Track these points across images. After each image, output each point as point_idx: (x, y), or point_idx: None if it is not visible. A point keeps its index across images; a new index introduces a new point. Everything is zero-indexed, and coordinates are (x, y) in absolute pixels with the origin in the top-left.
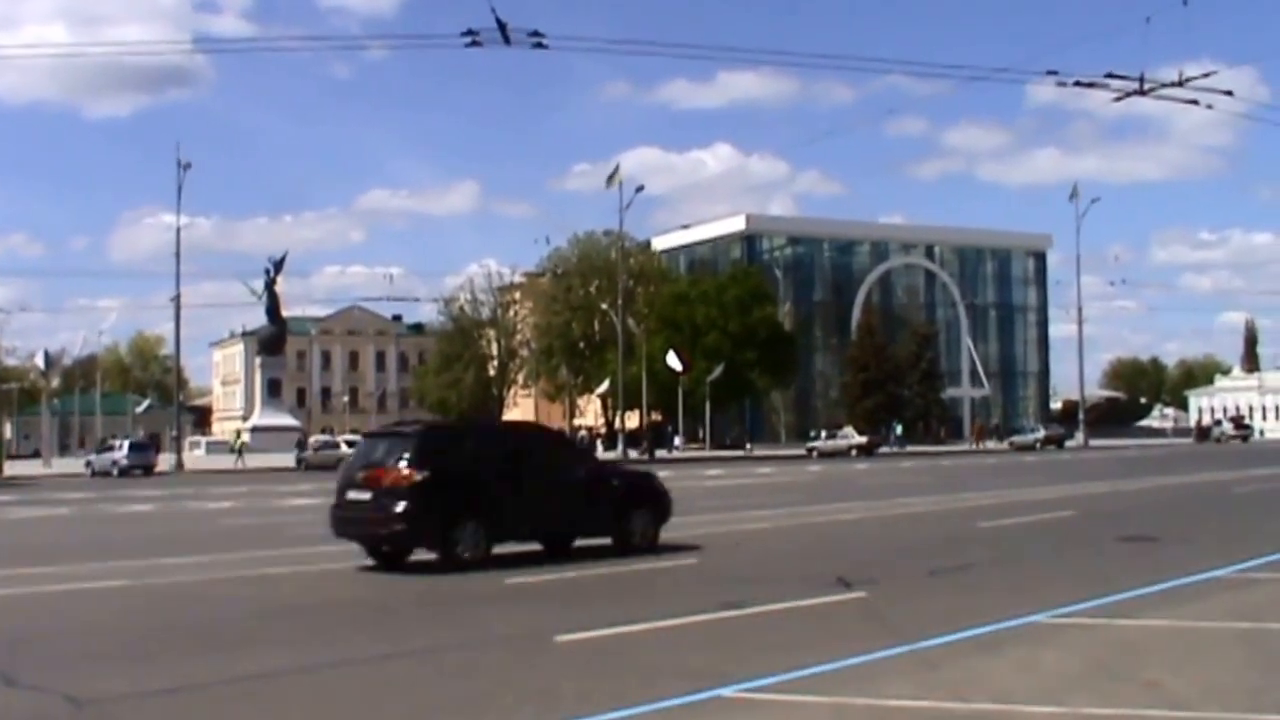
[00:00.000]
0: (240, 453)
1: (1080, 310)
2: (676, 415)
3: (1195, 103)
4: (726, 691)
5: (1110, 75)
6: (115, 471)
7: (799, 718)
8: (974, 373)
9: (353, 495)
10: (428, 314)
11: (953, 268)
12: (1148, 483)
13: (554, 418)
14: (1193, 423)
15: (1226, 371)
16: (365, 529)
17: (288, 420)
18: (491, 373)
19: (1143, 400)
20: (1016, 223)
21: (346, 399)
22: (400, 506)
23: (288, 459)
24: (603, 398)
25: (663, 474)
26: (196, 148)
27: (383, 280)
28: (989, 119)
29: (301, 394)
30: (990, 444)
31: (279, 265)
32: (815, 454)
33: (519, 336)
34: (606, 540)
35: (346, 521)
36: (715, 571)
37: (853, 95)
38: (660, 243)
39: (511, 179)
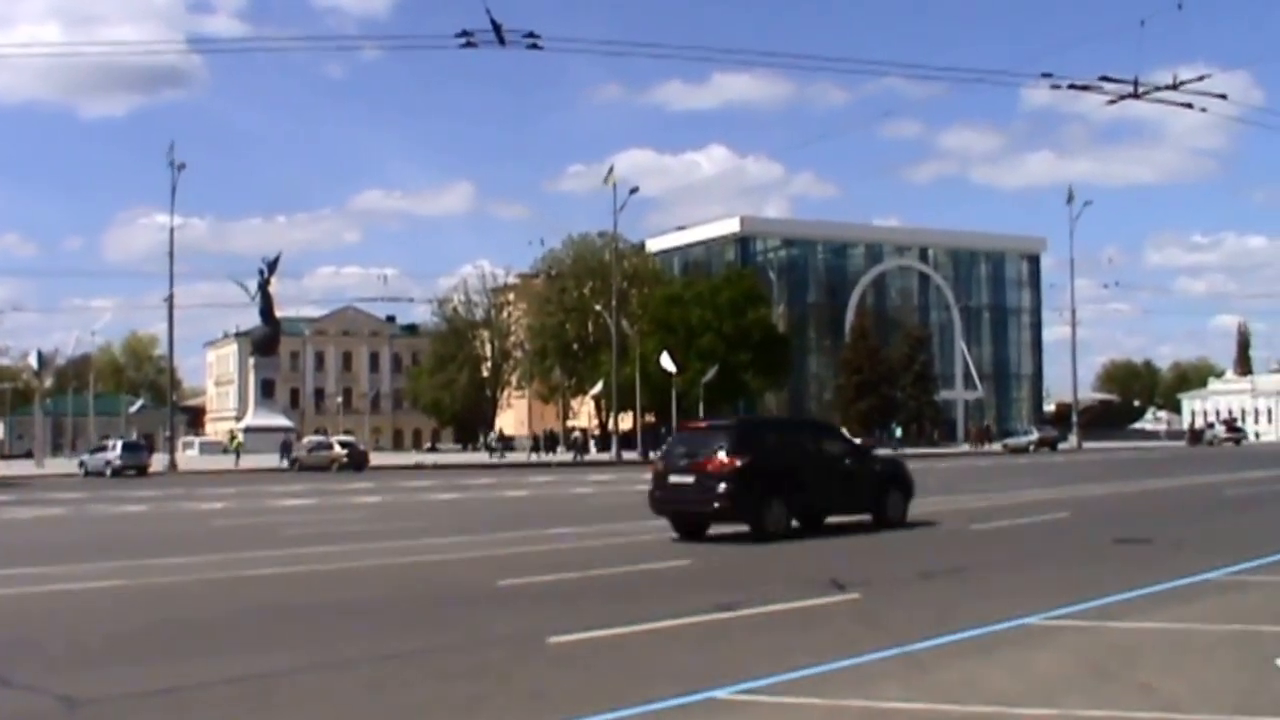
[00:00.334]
0: (238, 453)
1: (1074, 313)
2: (670, 417)
3: (1189, 106)
4: (719, 693)
5: (1104, 78)
6: (108, 472)
7: (792, 719)
8: (967, 375)
9: (675, 479)
10: (422, 315)
11: (947, 270)
12: (1141, 485)
13: (547, 419)
14: (1185, 425)
15: (1219, 375)
16: (688, 507)
17: (281, 421)
18: (485, 374)
19: (1136, 403)
20: (1010, 225)
21: (340, 400)
22: (723, 488)
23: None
24: (596, 399)
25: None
26: (191, 148)
27: (377, 281)
28: (983, 122)
29: (295, 394)
30: (988, 446)
31: (273, 266)
32: None
33: (513, 338)
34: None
35: (667, 501)
36: (708, 573)
37: (847, 97)
38: (654, 244)
39: (506, 180)
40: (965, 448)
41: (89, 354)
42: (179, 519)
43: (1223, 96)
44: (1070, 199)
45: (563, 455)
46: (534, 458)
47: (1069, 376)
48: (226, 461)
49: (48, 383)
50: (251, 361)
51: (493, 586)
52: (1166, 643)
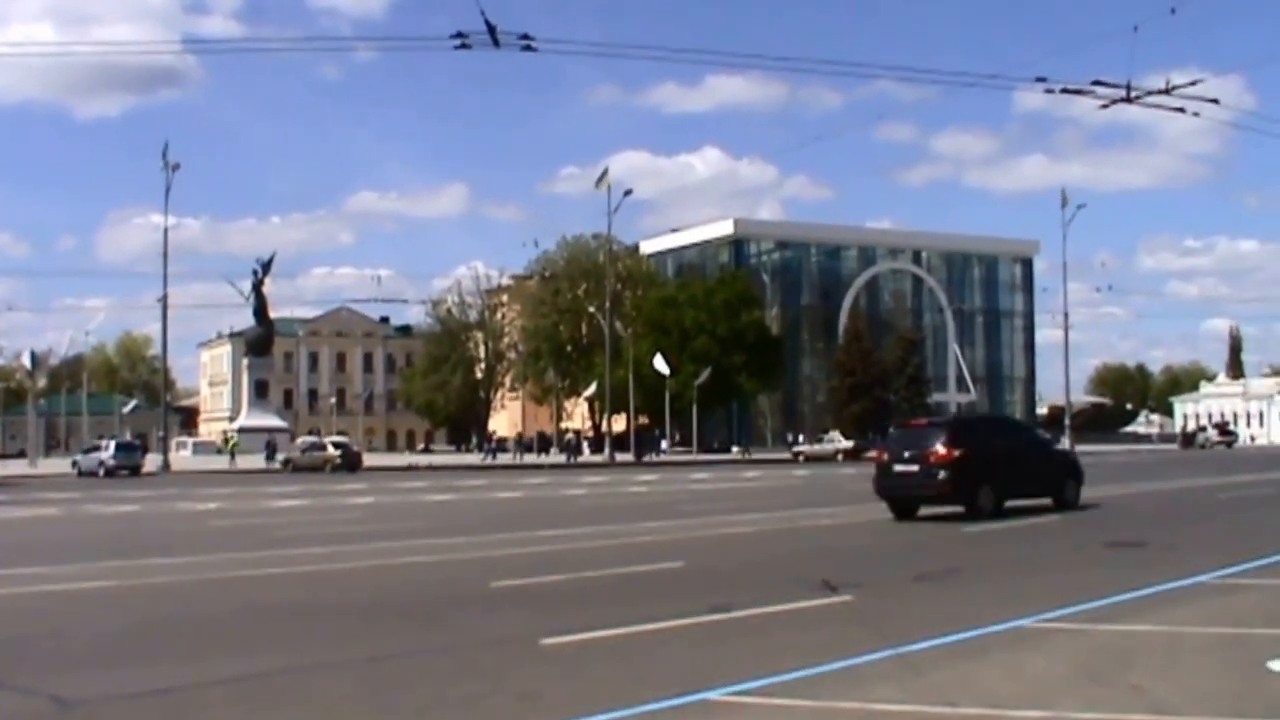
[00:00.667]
0: (233, 454)
1: (1066, 316)
2: (664, 419)
3: (1182, 110)
4: (713, 695)
5: (1098, 82)
6: (102, 472)
7: None
8: (960, 378)
9: (899, 468)
10: (416, 316)
11: (940, 273)
12: (1133, 488)
13: (541, 420)
14: (1178, 429)
15: (1211, 378)
16: (911, 491)
17: (275, 422)
18: (479, 375)
19: (1128, 406)
20: (1004, 229)
21: (333, 400)
22: (943, 475)
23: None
24: (590, 400)
25: (649, 477)
26: (185, 148)
27: (371, 282)
28: (977, 125)
29: (289, 395)
30: None
31: (267, 266)
32: (801, 458)
33: (506, 339)
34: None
35: (892, 486)
36: (702, 575)
37: (841, 100)
38: (648, 246)
39: (500, 182)
40: None
41: (82, 354)
42: (172, 519)
43: (1215, 101)
44: (1064, 203)
45: (555, 457)
46: (511, 459)
47: (1062, 379)
48: (220, 462)
49: (41, 383)
50: (245, 362)
51: (486, 588)
52: (1159, 645)
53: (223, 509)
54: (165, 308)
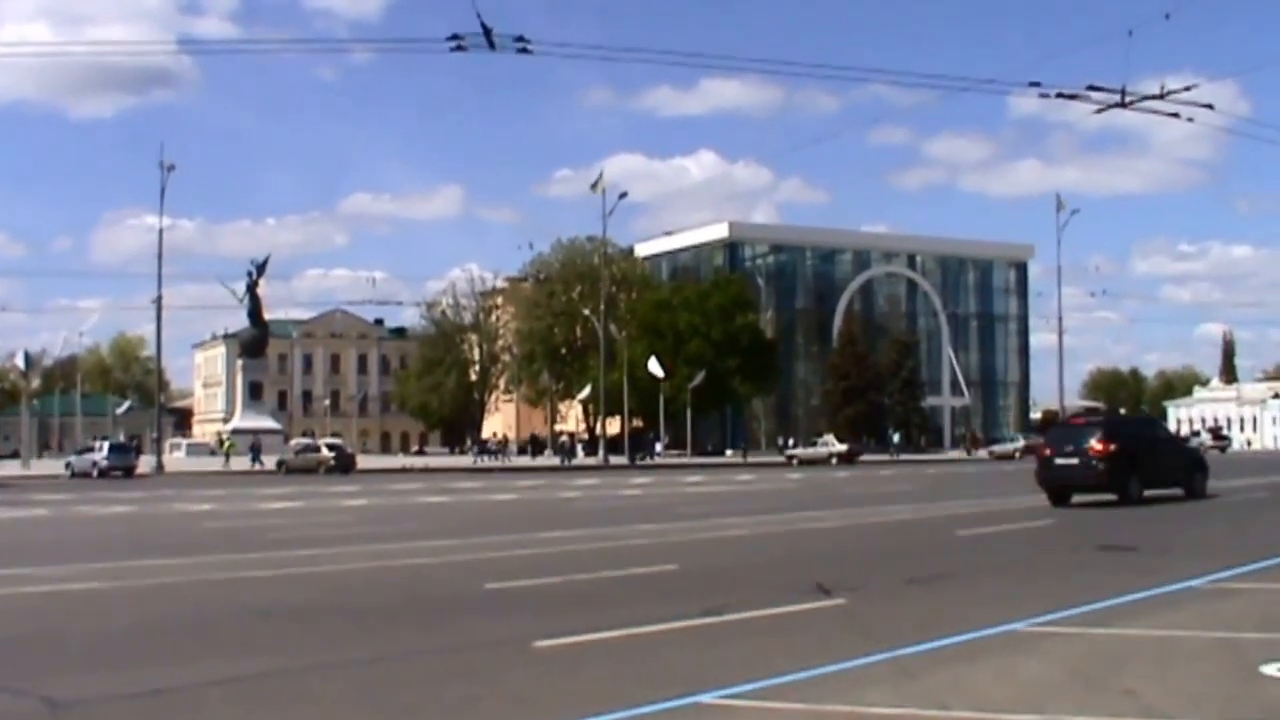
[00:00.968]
0: (228, 455)
1: (1061, 321)
2: (658, 422)
3: (1176, 115)
4: (705, 698)
5: (1092, 87)
6: (95, 473)
7: None
8: (954, 382)
9: (1060, 461)
10: (410, 318)
11: (934, 277)
12: None
13: (535, 423)
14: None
15: (1205, 383)
16: (1070, 481)
17: (268, 423)
18: (473, 377)
19: (1122, 411)
20: (998, 233)
21: (328, 402)
22: (1101, 466)
23: (269, 461)
24: (584, 403)
25: (643, 480)
26: (180, 149)
27: (365, 284)
28: (971, 129)
29: (283, 397)
30: (982, 453)
31: (261, 268)
32: (795, 461)
33: (501, 341)
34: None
35: (1054, 477)
36: (695, 578)
37: (836, 104)
38: (643, 249)
39: (495, 184)
40: (952, 454)
41: (76, 355)
42: (166, 521)
43: (1209, 106)
44: (1059, 207)
45: (549, 459)
46: (482, 461)
47: (1055, 384)
48: (215, 463)
49: (35, 383)
50: (239, 363)
51: (480, 589)
52: (1152, 649)
53: (216, 510)
54: (160, 309)
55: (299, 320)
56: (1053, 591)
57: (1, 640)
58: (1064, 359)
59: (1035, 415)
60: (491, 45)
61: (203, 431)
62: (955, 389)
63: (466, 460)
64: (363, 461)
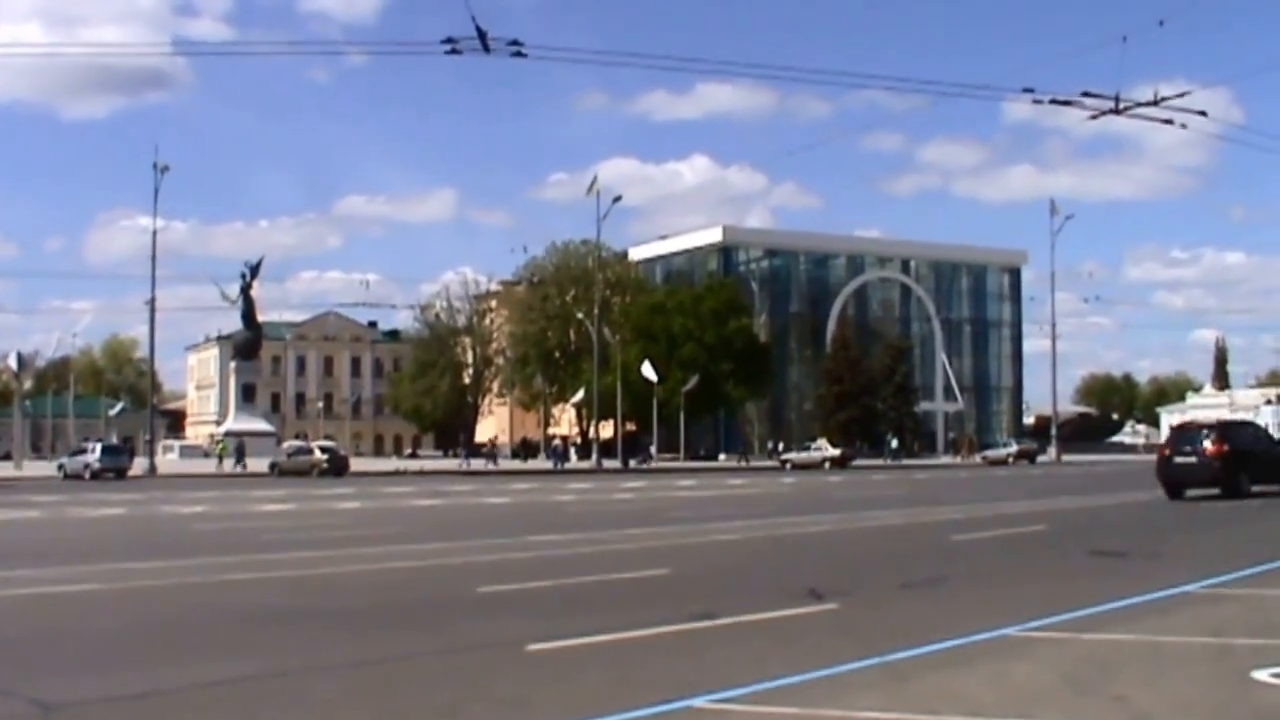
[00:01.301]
0: (222, 457)
1: (1054, 326)
2: (651, 425)
3: (1170, 122)
4: (697, 702)
5: (1086, 93)
6: (87, 474)
7: None
8: (948, 387)
9: (1179, 460)
10: (404, 321)
11: (928, 282)
12: (1118, 498)
13: (528, 426)
14: (1163, 439)
15: (1198, 389)
16: (1187, 478)
17: (261, 425)
18: (466, 380)
19: (1115, 416)
20: (991, 238)
21: (321, 405)
22: (1216, 465)
23: (262, 464)
24: (577, 407)
25: (636, 484)
26: (174, 151)
27: (359, 286)
28: (965, 135)
29: (276, 399)
30: (976, 458)
31: (255, 270)
32: (789, 466)
33: (494, 345)
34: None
35: (1172, 474)
36: (688, 582)
37: (830, 109)
38: (637, 253)
39: (489, 187)
40: (945, 459)
41: (69, 356)
42: (158, 523)
43: (1203, 113)
44: (1055, 213)
45: (542, 463)
46: (467, 465)
47: (1048, 389)
48: (208, 465)
49: (27, 384)
50: (233, 365)
51: (473, 593)
52: (1142, 655)
53: (209, 513)
54: (153, 310)
55: (292, 322)
56: (1044, 596)
57: None
58: (1057, 364)
59: (1028, 421)
60: (486, 49)
61: (196, 434)
62: (948, 394)
63: (476, 464)
64: (356, 464)
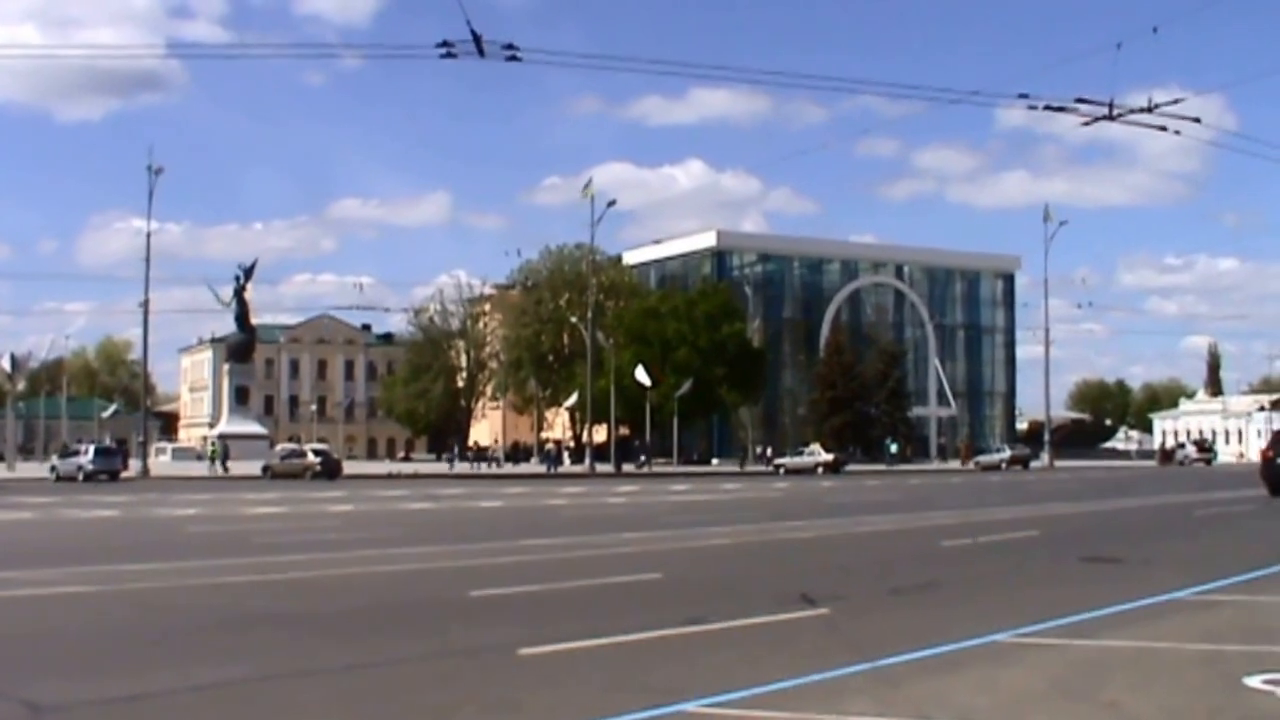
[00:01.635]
0: (214, 460)
1: (1047, 332)
2: (644, 430)
3: (1163, 129)
4: (689, 706)
5: (1080, 100)
6: (80, 476)
7: None
8: (941, 392)
9: None
10: (397, 324)
11: (922, 288)
12: (1111, 504)
13: (521, 430)
14: (1156, 445)
15: (1190, 395)
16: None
17: (255, 428)
18: (460, 384)
19: (1108, 422)
20: (985, 244)
21: (314, 408)
22: None
23: (255, 466)
24: (571, 411)
25: (629, 488)
26: (168, 153)
27: (352, 289)
28: (959, 141)
29: (269, 401)
30: (970, 464)
31: (249, 272)
32: (782, 471)
33: (488, 348)
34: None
35: (1276, 473)
36: (680, 587)
37: (824, 115)
38: (631, 257)
39: (483, 190)
40: (937, 464)
41: (62, 358)
42: (150, 525)
43: (1196, 120)
44: (1048, 218)
45: (535, 466)
46: (456, 467)
47: (1041, 395)
48: (200, 468)
49: (20, 386)
50: (226, 368)
51: (465, 597)
52: (1134, 661)
53: (201, 515)
54: (146, 312)
55: (286, 325)
56: (1036, 602)
57: None
58: (1050, 370)
59: (1021, 426)
60: (481, 52)
61: (189, 436)
62: (941, 399)
63: (460, 467)
64: (349, 467)
